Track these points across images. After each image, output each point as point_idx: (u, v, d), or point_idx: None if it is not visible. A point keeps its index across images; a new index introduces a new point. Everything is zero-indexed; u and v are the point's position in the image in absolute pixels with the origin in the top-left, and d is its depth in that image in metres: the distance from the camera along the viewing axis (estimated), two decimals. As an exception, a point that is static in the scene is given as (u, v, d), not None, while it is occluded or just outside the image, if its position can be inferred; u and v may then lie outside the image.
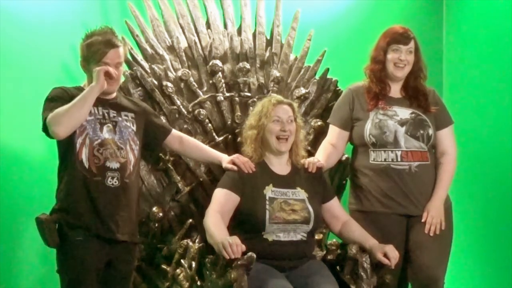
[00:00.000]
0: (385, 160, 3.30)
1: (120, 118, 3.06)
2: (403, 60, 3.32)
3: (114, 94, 3.10)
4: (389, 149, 3.29)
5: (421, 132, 3.32)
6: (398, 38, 3.33)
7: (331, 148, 3.40)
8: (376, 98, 3.34)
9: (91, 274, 2.96)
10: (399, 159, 3.28)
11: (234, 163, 3.16)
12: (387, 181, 3.29)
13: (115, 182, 2.98)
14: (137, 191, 3.13)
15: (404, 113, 3.34)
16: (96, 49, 2.97)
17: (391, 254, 2.99)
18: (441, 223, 3.28)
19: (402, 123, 3.31)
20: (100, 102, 3.02)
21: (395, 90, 3.40)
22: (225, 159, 3.21)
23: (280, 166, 3.18)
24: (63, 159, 3.00)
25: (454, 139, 3.45)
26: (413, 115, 3.34)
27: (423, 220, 3.28)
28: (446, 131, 3.42)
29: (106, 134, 3.00)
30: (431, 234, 3.27)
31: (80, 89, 3.04)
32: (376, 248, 3.03)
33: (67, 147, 2.96)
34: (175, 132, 3.29)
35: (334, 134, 3.42)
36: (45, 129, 2.94)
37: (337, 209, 3.25)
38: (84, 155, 2.95)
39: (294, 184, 3.14)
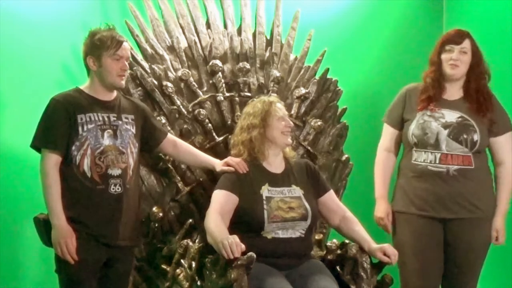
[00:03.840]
0: (424, 161, 3.29)
1: (120, 122, 3.05)
2: (455, 59, 3.29)
3: (115, 95, 3.10)
4: (429, 150, 3.29)
5: (465, 136, 3.28)
6: (451, 38, 3.33)
7: (388, 157, 3.42)
8: (428, 100, 3.34)
9: (89, 274, 2.96)
10: (437, 161, 3.27)
11: (228, 165, 3.16)
12: (423, 183, 3.29)
13: (118, 189, 2.99)
14: (138, 194, 3.14)
15: (452, 116, 3.31)
16: (110, 41, 2.99)
17: (390, 251, 2.99)
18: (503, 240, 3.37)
19: (446, 126, 3.29)
20: (100, 106, 3.03)
21: (453, 92, 3.36)
22: (218, 163, 3.21)
23: (275, 164, 3.19)
24: (60, 169, 2.97)
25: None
26: (460, 119, 3.31)
27: (493, 241, 3.34)
28: (503, 139, 3.37)
29: (107, 140, 3.00)
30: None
31: (79, 92, 3.04)
32: (374, 249, 3.03)
33: (65, 162, 2.96)
34: (170, 136, 3.29)
35: (388, 135, 3.44)
36: (34, 146, 2.98)
37: (333, 203, 3.25)
38: (86, 166, 2.96)
39: (289, 182, 3.15)
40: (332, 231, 3.58)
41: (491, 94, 3.41)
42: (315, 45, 3.76)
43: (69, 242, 2.90)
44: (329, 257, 3.19)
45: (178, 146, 3.28)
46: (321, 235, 3.49)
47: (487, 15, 4.22)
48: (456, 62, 3.29)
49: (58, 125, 2.96)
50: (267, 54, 3.66)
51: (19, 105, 3.59)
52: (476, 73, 3.35)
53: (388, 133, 3.45)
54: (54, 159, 2.94)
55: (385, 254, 3.00)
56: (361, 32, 4.27)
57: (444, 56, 3.33)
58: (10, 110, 3.58)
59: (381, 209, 3.36)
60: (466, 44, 3.32)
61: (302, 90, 3.66)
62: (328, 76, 3.73)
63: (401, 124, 3.41)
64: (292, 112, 3.62)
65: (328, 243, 3.25)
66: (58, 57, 3.67)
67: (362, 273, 3.02)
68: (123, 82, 3.07)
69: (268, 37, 3.71)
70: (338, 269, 3.11)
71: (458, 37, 3.32)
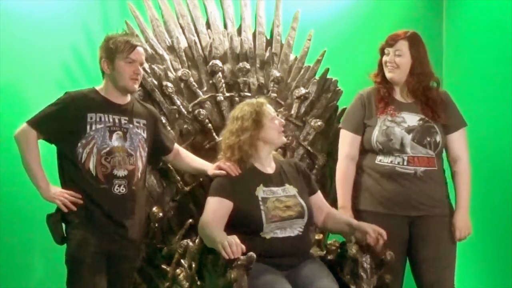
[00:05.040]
0: (391, 162, 3.30)
1: (131, 125, 3.08)
2: (390, 61, 3.33)
3: (128, 99, 3.13)
4: (396, 154, 3.30)
5: (428, 139, 3.32)
6: (386, 41, 3.37)
7: (352, 167, 3.38)
8: (384, 102, 3.35)
9: (92, 253, 2.96)
10: (405, 164, 3.29)
11: (220, 168, 3.15)
12: (391, 184, 3.30)
13: (122, 189, 3.02)
14: (144, 196, 3.18)
15: (412, 119, 3.33)
16: (123, 45, 3.03)
17: (376, 233, 3.01)
18: (470, 232, 3.36)
19: (409, 130, 3.31)
20: (112, 108, 3.06)
21: (401, 94, 3.39)
22: (210, 167, 3.22)
23: (267, 165, 3.19)
24: (66, 169, 3.02)
25: (466, 142, 3.43)
26: (421, 122, 3.34)
27: (456, 240, 3.34)
28: (458, 135, 3.41)
29: (115, 142, 3.03)
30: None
31: (95, 92, 3.07)
32: (361, 226, 3.06)
33: (71, 159, 3.00)
34: (176, 145, 3.32)
35: (349, 141, 3.39)
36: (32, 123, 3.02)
37: (321, 202, 3.28)
38: (91, 164, 2.99)
39: (282, 181, 3.16)
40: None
41: (440, 94, 3.41)
42: (315, 45, 3.76)
43: (63, 191, 2.96)
44: (329, 257, 3.19)
45: (180, 154, 3.32)
46: (321, 235, 3.49)
47: (487, 15, 4.22)
48: (392, 64, 3.32)
49: (58, 118, 2.99)
50: (267, 54, 3.66)
51: (19, 104, 3.60)
52: (417, 75, 3.34)
53: (348, 140, 3.40)
54: (32, 132, 2.99)
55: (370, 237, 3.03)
56: (361, 32, 4.27)
57: (383, 59, 3.37)
58: (10, 109, 3.59)
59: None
60: (400, 46, 3.32)
61: (302, 90, 3.66)
62: (328, 76, 3.74)
63: (361, 128, 3.39)
64: (292, 112, 3.63)
65: (328, 243, 3.25)
66: (58, 57, 3.68)
67: (362, 273, 3.02)
68: (136, 86, 3.11)
69: (268, 37, 3.71)
70: (338, 269, 3.11)
71: (391, 39, 3.35)
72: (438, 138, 3.34)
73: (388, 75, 3.35)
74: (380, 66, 3.40)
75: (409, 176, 3.29)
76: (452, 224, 3.34)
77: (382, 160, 3.32)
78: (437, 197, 3.34)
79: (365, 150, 3.39)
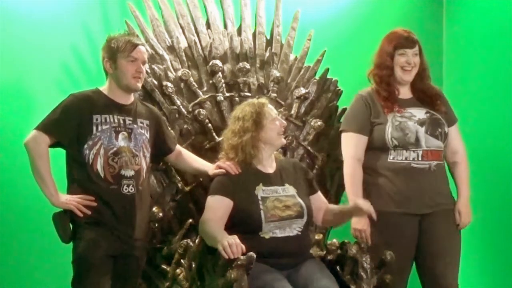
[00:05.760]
0: (406, 158, 3.30)
1: (135, 126, 3.09)
2: (410, 63, 3.34)
3: (132, 99, 3.14)
4: (411, 149, 3.30)
5: (439, 130, 3.35)
6: (404, 42, 3.35)
7: (359, 168, 3.37)
8: (388, 101, 3.35)
9: (101, 256, 2.96)
10: (420, 159, 3.30)
11: (220, 168, 3.15)
12: (405, 180, 3.30)
13: (131, 189, 3.02)
14: (149, 196, 3.19)
15: (420, 113, 3.35)
16: (124, 44, 3.04)
17: (362, 204, 3.06)
18: (471, 219, 3.41)
19: (421, 123, 3.33)
20: (117, 108, 3.07)
21: (404, 92, 3.41)
22: (210, 168, 3.22)
23: (267, 165, 3.19)
24: (75, 173, 3.02)
25: (461, 136, 3.49)
26: (428, 114, 3.36)
27: (460, 227, 3.37)
28: (454, 128, 3.46)
29: (121, 142, 3.04)
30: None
31: (98, 93, 3.08)
32: (352, 204, 3.13)
33: (78, 161, 3.00)
34: (178, 146, 3.32)
35: (354, 142, 3.37)
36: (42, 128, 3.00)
37: (321, 202, 3.27)
38: (99, 165, 2.99)
39: (282, 181, 3.16)
40: (333, 231, 3.58)
41: (437, 89, 3.48)
42: (315, 45, 3.77)
43: (73, 196, 2.96)
44: (329, 257, 3.19)
45: (182, 155, 3.32)
46: (321, 235, 3.49)
47: (487, 15, 4.23)
48: (411, 65, 3.34)
49: (65, 120, 2.99)
50: (267, 54, 3.66)
51: (19, 104, 3.60)
52: (422, 73, 3.39)
53: (353, 141, 3.38)
54: (43, 138, 2.97)
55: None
56: (361, 32, 4.27)
57: (397, 61, 3.35)
58: (10, 109, 3.59)
59: (362, 221, 3.31)
60: (417, 46, 3.37)
61: (302, 90, 3.66)
62: (328, 76, 3.74)
63: (368, 128, 3.37)
64: (292, 112, 3.63)
65: (328, 243, 3.25)
66: (58, 57, 3.68)
67: (362, 273, 3.02)
68: (139, 85, 3.11)
69: (268, 37, 3.71)
70: (338, 269, 3.12)
71: (410, 41, 3.35)
72: (446, 129, 3.37)
73: (406, 77, 3.35)
74: (388, 67, 3.36)
75: (423, 172, 3.29)
76: (455, 211, 3.36)
77: (396, 158, 3.31)
78: (445, 193, 3.38)
79: (373, 150, 3.37)
